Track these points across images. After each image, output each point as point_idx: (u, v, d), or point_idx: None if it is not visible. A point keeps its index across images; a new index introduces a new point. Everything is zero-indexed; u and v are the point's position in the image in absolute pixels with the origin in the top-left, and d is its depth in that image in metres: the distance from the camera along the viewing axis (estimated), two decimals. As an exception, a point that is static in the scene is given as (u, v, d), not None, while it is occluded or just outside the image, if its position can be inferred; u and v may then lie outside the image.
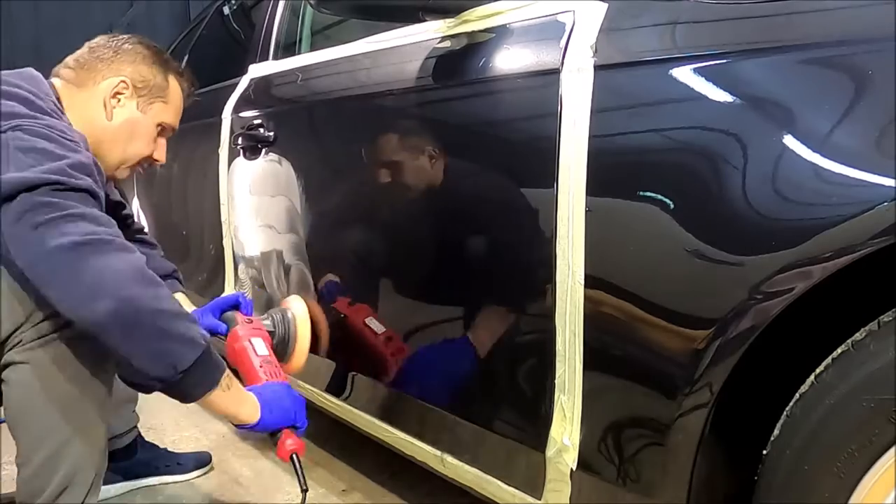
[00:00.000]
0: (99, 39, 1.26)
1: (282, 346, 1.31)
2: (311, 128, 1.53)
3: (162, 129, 1.29)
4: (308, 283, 1.47)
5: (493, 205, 1.02)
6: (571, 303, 0.88)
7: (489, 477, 1.06)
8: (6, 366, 1.02)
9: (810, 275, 0.67)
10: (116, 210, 1.40)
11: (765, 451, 0.75)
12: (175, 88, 1.29)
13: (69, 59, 1.23)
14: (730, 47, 0.76)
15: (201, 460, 1.67)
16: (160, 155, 1.30)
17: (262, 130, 1.60)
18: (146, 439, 1.65)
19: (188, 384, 0.99)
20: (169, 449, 1.69)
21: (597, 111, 0.85)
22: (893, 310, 0.67)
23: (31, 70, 1.16)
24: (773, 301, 0.69)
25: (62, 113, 1.12)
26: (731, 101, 0.75)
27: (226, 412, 1.07)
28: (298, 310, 1.33)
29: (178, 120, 1.32)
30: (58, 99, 1.14)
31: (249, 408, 1.09)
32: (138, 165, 1.29)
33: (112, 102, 1.20)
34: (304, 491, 1.12)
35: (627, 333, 0.83)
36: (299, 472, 1.12)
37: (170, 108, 1.29)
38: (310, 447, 1.80)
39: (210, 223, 1.90)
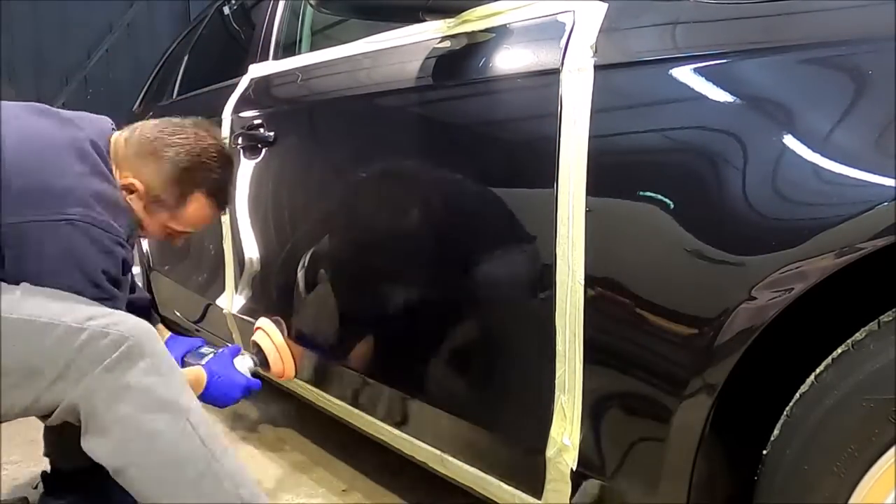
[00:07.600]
0: (162, 123, 1.23)
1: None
2: (311, 128, 1.52)
3: (171, 230, 1.27)
4: (308, 284, 1.47)
5: (493, 205, 1.02)
6: (571, 303, 0.88)
7: (489, 477, 1.06)
8: None
9: (810, 275, 0.67)
10: None
11: (765, 451, 0.75)
12: (195, 210, 1.24)
13: (132, 128, 1.23)
14: (730, 47, 0.76)
15: None
16: (174, 242, 1.33)
17: (262, 130, 1.60)
18: None
19: None
20: None
21: (597, 111, 0.85)
22: (893, 310, 0.67)
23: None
24: (772, 301, 0.69)
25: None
26: (731, 101, 0.75)
27: None
28: (266, 342, 1.46)
29: (198, 227, 1.30)
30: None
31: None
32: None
33: (123, 192, 1.18)
34: None
35: (627, 333, 0.83)
36: None
37: (180, 222, 1.25)
38: (310, 447, 1.80)
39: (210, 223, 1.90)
